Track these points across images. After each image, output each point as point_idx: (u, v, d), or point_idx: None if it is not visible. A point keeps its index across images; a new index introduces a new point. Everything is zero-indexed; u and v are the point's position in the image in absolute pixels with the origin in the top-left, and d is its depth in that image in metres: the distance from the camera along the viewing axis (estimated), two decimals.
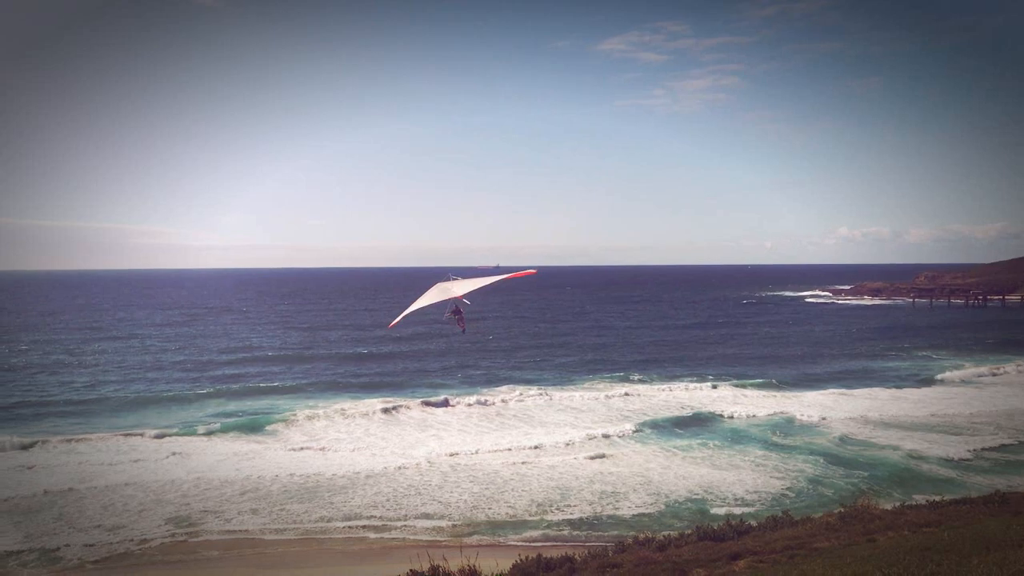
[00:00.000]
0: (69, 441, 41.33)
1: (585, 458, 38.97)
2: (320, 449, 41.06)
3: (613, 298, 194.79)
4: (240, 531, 29.25)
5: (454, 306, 20.47)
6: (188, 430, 44.27)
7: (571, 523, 30.07)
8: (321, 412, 49.64)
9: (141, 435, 42.85)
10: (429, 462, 38.08)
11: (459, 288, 19.40)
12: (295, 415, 48.69)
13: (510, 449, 40.80)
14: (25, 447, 40.02)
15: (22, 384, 60.38)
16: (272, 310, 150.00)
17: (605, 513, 31.11)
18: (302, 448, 41.32)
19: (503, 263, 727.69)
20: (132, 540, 28.10)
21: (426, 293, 19.78)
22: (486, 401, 53.78)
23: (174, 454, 39.42)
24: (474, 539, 27.88)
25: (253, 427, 45.44)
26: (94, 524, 29.53)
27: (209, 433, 43.89)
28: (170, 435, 43.13)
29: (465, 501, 32.41)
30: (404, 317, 20.13)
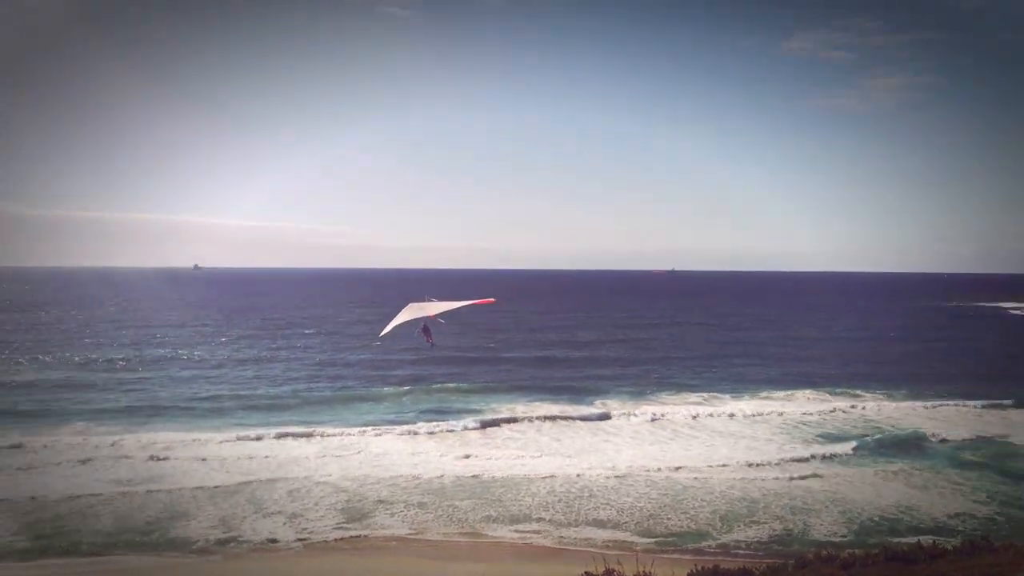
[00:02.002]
0: (263, 438, 43.57)
1: (775, 473, 37.40)
2: (493, 450, 41.66)
3: (799, 305, 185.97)
4: (411, 524, 30.25)
5: (424, 324, 23.01)
6: (369, 427, 46.14)
7: (753, 538, 28.98)
8: (497, 414, 50.50)
9: (325, 432, 44.99)
10: (606, 468, 37.69)
11: (433, 308, 21.62)
12: (471, 415, 49.76)
13: (690, 461, 39.51)
14: (239, 439, 42.90)
15: (228, 378, 65.19)
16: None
17: (792, 529, 29.81)
18: (476, 448, 42.05)
19: (678, 267, 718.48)
20: (309, 528, 29.73)
21: (403, 311, 21.67)
22: (663, 411, 52.07)
23: (355, 450, 41.32)
24: (649, 546, 27.30)
25: (431, 427, 46.63)
26: (278, 510, 31.48)
27: (389, 431, 45.56)
28: (352, 432, 45.11)
29: (641, 508, 31.88)
30: (391, 330, 21.91)
